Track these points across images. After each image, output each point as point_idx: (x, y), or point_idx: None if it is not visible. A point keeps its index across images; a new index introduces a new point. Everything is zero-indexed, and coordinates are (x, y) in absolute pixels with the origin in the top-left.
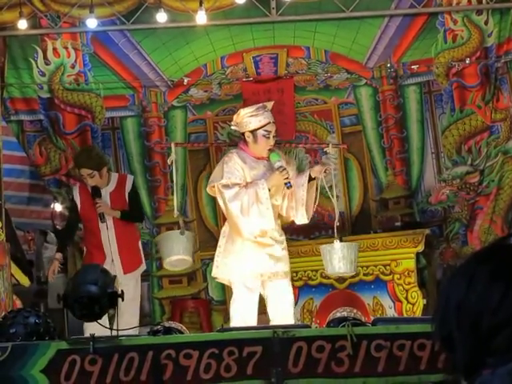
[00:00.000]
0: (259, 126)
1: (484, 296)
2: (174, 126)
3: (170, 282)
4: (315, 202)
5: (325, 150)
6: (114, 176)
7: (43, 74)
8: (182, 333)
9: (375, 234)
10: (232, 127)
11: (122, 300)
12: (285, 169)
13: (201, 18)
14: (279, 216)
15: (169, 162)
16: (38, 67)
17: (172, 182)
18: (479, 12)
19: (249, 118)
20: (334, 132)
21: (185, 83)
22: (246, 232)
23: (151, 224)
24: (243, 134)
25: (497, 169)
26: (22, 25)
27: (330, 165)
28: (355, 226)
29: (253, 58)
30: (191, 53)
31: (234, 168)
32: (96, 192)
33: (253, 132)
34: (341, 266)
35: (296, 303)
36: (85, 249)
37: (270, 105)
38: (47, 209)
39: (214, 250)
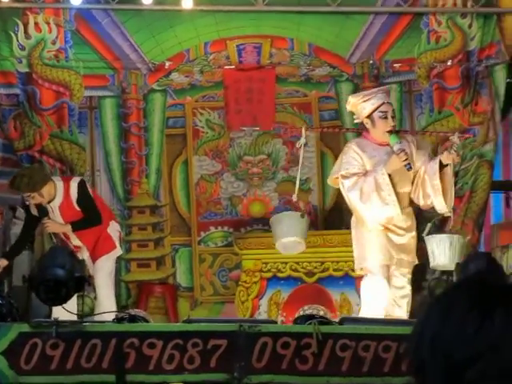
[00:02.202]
0: (373, 108)
1: (459, 328)
2: (153, 109)
3: (138, 265)
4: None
5: (450, 138)
6: (60, 186)
7: (23, 48)
8: (147, 321)
9: (347, 230)
10: (356, 121)
11: (89, 284)
12: (403, 150)
13: (187, 2)
14: (411, 204)
15: (297, 145)
16: (18, 41)
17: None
18: (464, 15)
19: (362, 104)
20: (312, 125)
21: (166, 67)
22: (369, 221)
23: (123, 206)
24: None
25: (471, 171)
26: None
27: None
28: (327, 220)
29: (236, 46)
30: (175, 37)
31: (351, 158)
32: (41, 211)
33: (369, 117)
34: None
35: (263, 295)
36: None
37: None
38: None
39: (185, 236)
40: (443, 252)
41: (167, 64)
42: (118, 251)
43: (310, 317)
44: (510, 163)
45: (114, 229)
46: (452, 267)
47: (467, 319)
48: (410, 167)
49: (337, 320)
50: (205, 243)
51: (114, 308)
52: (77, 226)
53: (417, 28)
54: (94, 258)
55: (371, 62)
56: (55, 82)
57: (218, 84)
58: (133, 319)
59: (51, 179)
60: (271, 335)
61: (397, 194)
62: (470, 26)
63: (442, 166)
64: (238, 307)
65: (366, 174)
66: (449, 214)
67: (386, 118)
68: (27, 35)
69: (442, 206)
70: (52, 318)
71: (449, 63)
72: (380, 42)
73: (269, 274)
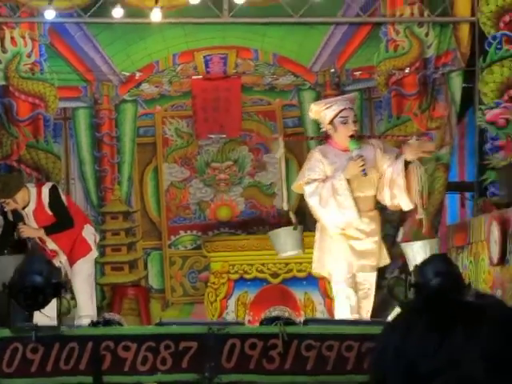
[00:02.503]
0: (334, 114)
1: (420, 346)
2: (124, 119)
3: (112, 268)
4: (419, 186)
5: (409, 142)
6: (33, 192)
7: (0, 62)
8: (121, 325)
9: (309, 233)
10: (322, 130)
11: (65, 290)
12: (361, 156)
13: (156, 15)
14: (375, 208)
15: (277, 156)
16: None
17: (281, 178)
18: (421, 24)
19: (324, 111)
20: (276, 132)
21: (137, 78)
22: (329, 225)
23: (97, 212)
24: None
25: (428, 174)
26: None
27: (424, 146)
28: (291, 224)
29: (203, 56)
30: (145, 49)
31: (314, 165)
32: (17, 217)
33: (331, 123)
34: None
35: (231, 296)
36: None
37: (352, 95)
38: None
39: (156, 240)
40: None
41: (137, 75)
42: (95, 253)
43: (276, 318)
44: (465, 165)
45: (89, 232)
46: None
47: (427, 338)
48: (365, 173)
49: (301, 320)
50: (175, 246)
51: (94, 310)
52: (50, 230)
53: (376, 37)
54: (72, 261)
55: (332, 70)
56: (31, 94)
57: (186, 94)
58: (108, 323)
59: (25, 185)
60: (239, 337)
61: (358, 198)
62: (426, 35)
63: (406, 165)
64: (207, 307)
65: (325, 179)
66: (422, 217)
67: (346, 123)
68: (3, 49)
69: (406, 204)
70: (32, 323)
71: (407, 71)
72: (341, 51)
73: (236, 276)
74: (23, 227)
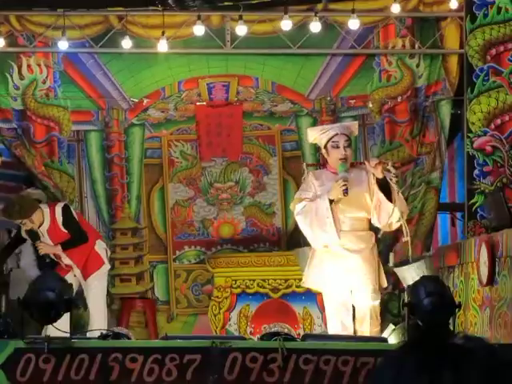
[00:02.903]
0: (327, 139)
1: None
2: (133, 142)
3: (121, 280)
4: (394, 198)
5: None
6: (47, 212)
7: (17, 88)
8: (129, 338)
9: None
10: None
11: (76, 306)
12: (345, 178)
13: (162, 45)
14: (368, 229)
15: (302, 180)
16: (13, 81)
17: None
18: (412, 56)
19: (320, 136)
20: (275, 155)
21: (144, 103)
22: (312, 242)
23: (108, 228)
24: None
25: (420, 197)
26: (0, 43)
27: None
28: (289, 241)
29: (207, 84)
30: (152, 76)
31: (307, 186)
32: (33, 236)
33: (325, 147)
34: None
35: (233, 309)
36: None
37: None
38: None
39: (162, 254)
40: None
41: (145, 101)
42: (107, 266)
43: (276, 334)
44: (454, 186)
45: (100, 247)
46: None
47: (417, 380)
48: (347, 192)
49: (300, 336)
50: (179, 260)
51: (105, 322)
52: (66, 246)
53: (369, 68)
54: (85, 275)
55: (328, 98)
56: (46, 117)
57: (190, 118)
58: (116, 336)
59: (39, 206)
60: (241, 350)
61: (350, 218)
62: (417, 66)
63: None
64: (210, 319)
65: (314, 199)
66: (407, 239)
67: (337, 147)
68: (21, 76)
69: (383, 221)
70: (44, 335)
71: (399, 99)
72: (336, 80)
73: (238, 290)
74: (41, 245)
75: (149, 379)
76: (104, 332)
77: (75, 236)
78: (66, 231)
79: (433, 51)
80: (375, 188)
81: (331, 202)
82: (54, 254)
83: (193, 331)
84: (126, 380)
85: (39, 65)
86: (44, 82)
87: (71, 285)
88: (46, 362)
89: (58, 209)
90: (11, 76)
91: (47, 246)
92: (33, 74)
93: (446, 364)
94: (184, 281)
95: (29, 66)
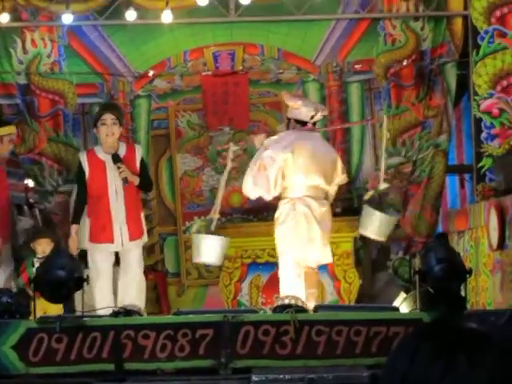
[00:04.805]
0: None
1: (425, 373)
2: (139, 113)
3: None
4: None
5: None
6: (122, 143)
7: (21, 62)
8: (141, 315)
9: None
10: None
11: (87, 283)
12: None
13: (166, 16)
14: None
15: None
16: (16, 56)
17: None
18: (416, 19)
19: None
20: (282, 122)
21: (150, 75)
22: None
23: None
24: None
25: (428, 160)
26: (4, 18)
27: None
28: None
29: (212, 53)
30: (156, 47)
31: None
32: (116, 158)
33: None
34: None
35: (245, 279)
36: (87, 220)
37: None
38: (20, 182)
39: (171, 226)
40: (376, 226)
41: (151, 72)
42: (144, 239)
43: (288, 306)
44: (463, 148)
45: (143, 218)
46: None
47: (432, 366)
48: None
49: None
50: (189, 232)
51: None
52: (140, 183)
53: (374, 32)
54: (130, 237)
55: (334, 63)
56: (51, 91)
57: (196, 88)
58: (128, 313)
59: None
60: (253, 324)
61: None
62: (422, 29)
63: None
64: (221, 290)
65: None
66: (384, 187)
67: None
68: (25, 50)
69: None
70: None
71: (404, 63)
72: (342, 45)
73: (248, 260)
74: (124, 168)
75: (162, 355)
76: (115, 309)
77: (147, 179)
78: (138, 170)
79: (437, 14)
80: None
81: None
82: None
83: (204, 302)
84: (138, 357)
85: (43, 39)
86: (49, 56)
87: (81, 262)
88: (58, 342)
89: (139, 147)
90: (15, 51)
91: (129, 172)
92: (37, 49)
93: (461, 349)
94: None
95: (33, 40)
